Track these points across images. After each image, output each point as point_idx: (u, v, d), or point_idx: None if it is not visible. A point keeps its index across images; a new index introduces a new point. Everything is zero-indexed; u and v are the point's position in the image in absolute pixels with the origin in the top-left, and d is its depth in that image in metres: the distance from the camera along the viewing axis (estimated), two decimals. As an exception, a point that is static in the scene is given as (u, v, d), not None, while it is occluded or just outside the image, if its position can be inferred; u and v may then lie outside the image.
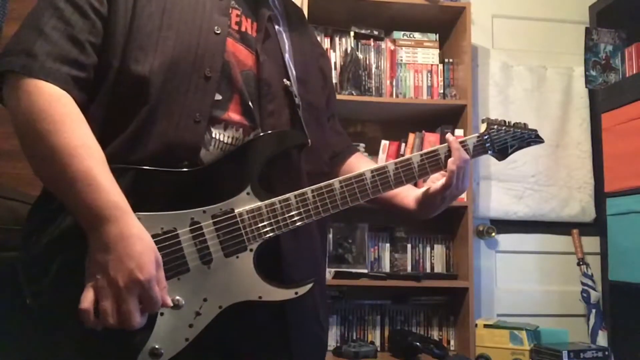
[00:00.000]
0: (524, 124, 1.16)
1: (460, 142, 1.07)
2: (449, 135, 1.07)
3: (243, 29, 0.98)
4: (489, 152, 1.11)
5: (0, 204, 1.23)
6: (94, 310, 0.75)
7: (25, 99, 0.79)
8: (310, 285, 0.90)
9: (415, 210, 1.11)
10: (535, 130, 1.17)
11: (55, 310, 0.80)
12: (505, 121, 1.14)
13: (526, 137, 1.15)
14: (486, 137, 1.10)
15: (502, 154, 1.13)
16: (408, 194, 1.13)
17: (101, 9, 0.87)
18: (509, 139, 1.12)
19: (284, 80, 0.99)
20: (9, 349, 0.90)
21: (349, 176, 0.98)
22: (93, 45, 0.86)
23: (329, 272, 2.39)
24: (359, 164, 1.20)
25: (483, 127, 1.12)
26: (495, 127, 1.12)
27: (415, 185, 1.12)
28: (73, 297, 0.76)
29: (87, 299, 0.75)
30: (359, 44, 2.58)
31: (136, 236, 0.77)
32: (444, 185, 1.04)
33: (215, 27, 0.92)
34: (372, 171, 0.99)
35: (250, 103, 0.94)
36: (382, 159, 2.44)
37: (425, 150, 1.05)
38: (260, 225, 0.89)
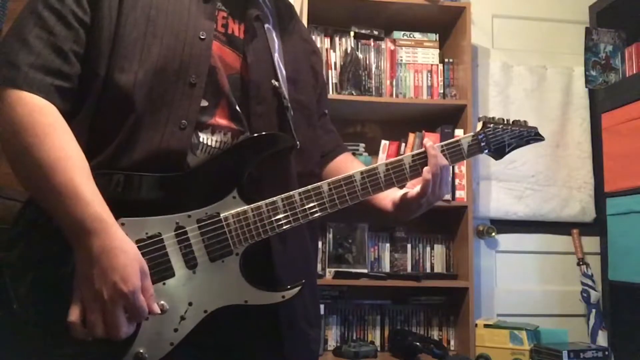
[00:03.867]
0: (524, 121, 1.13)
1: (455, 142, 1.05)
2: (426, 141, 1.03)
3: (230, 31, 0.97)
4: (485, 151, 1.08)
5: (0, 204, 1.23)
6: (82, 321, 0.76)
7: (7, 111, 0.79)
8: (297, 290, 0.89)
9: (391, 213, 1.09)
10: (535, 128, 1.13)
11: (39, 317, 0.80)
12: (503, 119, 1.11)
13: (525, 135, 1.12)
14: (481, 136, 1.08)
15: (498, 153, 1.10)
16: (386, 196, 1.10)
17: (85, 18, 0.86)
18: (506, 138, 1.10)
19: (273, 81, 0.97)
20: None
21: (337, 178, 0.96)
22: (77, 55, 0.85)
23: (329, 272, 2.39)
24: (346, 164, 1.17)
25: (479, 126, 1.09)
26: (492, 126, 1.09)
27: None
28: (54, 302, 0.77)
29: (74, 312, 0.76)
30: (359, 44, 2.58)
31: (119, 248, 0.77)
32: (419, 194, 1.01)
33: (201, 33, 0.90)
34: (361, 173, 0.97)
35: (237, 107, 0.93)
36: (382, 159, 2.44)
37: (417, 151, 1.02)
38: (246, 229, 0.88)
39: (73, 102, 0.85)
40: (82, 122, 0.85)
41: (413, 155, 1.02)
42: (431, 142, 1.03)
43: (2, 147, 0.81)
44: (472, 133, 1.08)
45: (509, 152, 1.11)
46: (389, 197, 1.09)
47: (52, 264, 0.80)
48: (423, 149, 1.02)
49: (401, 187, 1.08)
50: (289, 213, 0.91)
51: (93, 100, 0.86)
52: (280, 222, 0.90)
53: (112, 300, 0.75)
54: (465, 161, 2.38)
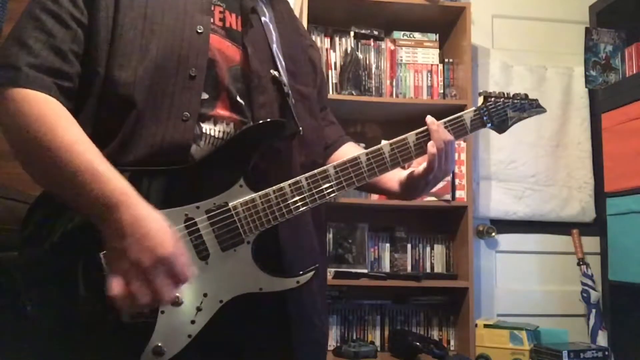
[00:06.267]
0: (525, 94, 1.13)
1: (457, 117, 1.06)
2: (428, 117, 1.04)
3: (227, 24, 0.98)
4: (488, 125, 1.09)
5: (1, 204, 1.23)
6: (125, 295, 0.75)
7: (14, 107, 0.80)
8: (312, 274, 0.90)
9: (399, 193, 1.10)
10: (536, 100, 1.14)
11: (54, 315, 0.80)
12: (503, 93, 1.12)
13: (527, 108, 1.12)
14: (483, 110, 1.08)
15: (501, 127, 1.11)
16: (392, 177, 1.11)
17: (82, 18, 0.87)
18: (508, 111, 1.10)
19: (272, 71, 0.99)
20: (10, 353, 0.90)
21: (343, 160, 0.96)
22: (76, 55, 0.86)
23: (329, 272, 2.39)
24: (351, 151, 1.18)
25: (480, 101, 1.10)
26: (493, 99, 1.10)
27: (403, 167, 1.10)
28: (72, 301, 0.77)
29: (116, 285, 0.74)
30: (359, 44, 2.58)
31: (150, 216, 0.77)
32: (426, 169, 1.02)
33: (198, 27, 0.92)
34: (367, 154, 0.98)
35: (238, 99, 0.94)
36: (382, 159, 2.44)
37: (421, 129, 1.03)
38: (255, 216, 0.88)
39: (74, 101, 0.86)
40: (85, 121, 0.85)
41: (417, 133, 1.02)
42: (432, 118, 1.03)
43: (12, 143, 0.81)
44: (474, 108, 1.09)
45: (512, 125, 1.12)
46: (395, 177, 1.10)
47: (63, 265, 0.81)
48: (426, 127, 1.03)
49: (406, 168, 1.09)
50: (297, 198, 0.91)
51: (94, 99, 0.87)
52: (289, 208, 0.90)
53: (153, 266, 0.74)
54: (465, 161, 2.39)
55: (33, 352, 0.82)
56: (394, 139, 1.01)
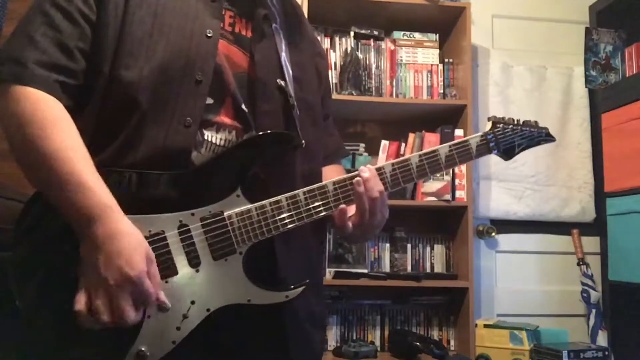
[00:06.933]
0: (535, 122, 1.10)
1: (463, 142, 1.02)
2: (362, 168, 0.95)
3: (237, 30, 0.97)
4: (494, 152, 1.05)
5: (0, 204, 1.23)
6: (89, 310, 0.75)
7: (13, 106, 0.80)
8: (300, 289, 0.89)
9: (348, 236, 1.02)
10: (546, 129, 1.11)
11: (42, 313, 0.80)
12: (512, 119, 1.08)
13: (536, 136, 1.09)
14: (490, 136, 1.05)
15: (508, 153, 1.07)
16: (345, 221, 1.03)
17: (91, 15, 0.86)
18: (516, 138, 1.07)
19: (279, 80, 0.97)
20: (3, 350, 0.90)
21: (343, 177, 0.95)
22: (82, 52, 0.86)
23: (329, 272, 2.39)
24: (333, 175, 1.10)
25: (488, 126, 1.07)
26: (501, 126, 1.06)
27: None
28: (60, 301, 0.77)
29: (80, 300, 0.75)
30: (359, 44, 2.58)
31: (124, 232, 0.77)
32: (356, 223, 0.95)
33: (207, 31, 0.91)
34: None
35: (243, 106, 0.93)
36: (382, 159, 2.44)
37: (424, 151, 1.01)
38: (249, 227, 0.88)
39: (78, 98, 0.86)
40: (87, 119, 0.85)
41: (420, 156, 1.00)
42: (366, 170, 0.95)
43: (8, 140, 0.81)
44: (481, 133, 1.05)
45: (519, 152, 1.09)
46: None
47: (56, 264, 0.81)
48: (431, 149, 1.00)
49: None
50: (293, 212, 0.90)
51: (98, 97, 0.86)
52: (285, 222, 0.89)
53: (118, 285, 0.74)
54: (465, 161, 2.39)
55: (22, 346, 0.82)
56: (397, 160, 0.98)
